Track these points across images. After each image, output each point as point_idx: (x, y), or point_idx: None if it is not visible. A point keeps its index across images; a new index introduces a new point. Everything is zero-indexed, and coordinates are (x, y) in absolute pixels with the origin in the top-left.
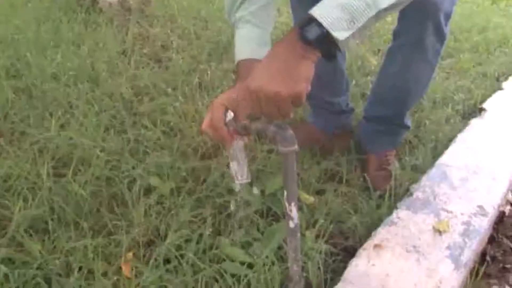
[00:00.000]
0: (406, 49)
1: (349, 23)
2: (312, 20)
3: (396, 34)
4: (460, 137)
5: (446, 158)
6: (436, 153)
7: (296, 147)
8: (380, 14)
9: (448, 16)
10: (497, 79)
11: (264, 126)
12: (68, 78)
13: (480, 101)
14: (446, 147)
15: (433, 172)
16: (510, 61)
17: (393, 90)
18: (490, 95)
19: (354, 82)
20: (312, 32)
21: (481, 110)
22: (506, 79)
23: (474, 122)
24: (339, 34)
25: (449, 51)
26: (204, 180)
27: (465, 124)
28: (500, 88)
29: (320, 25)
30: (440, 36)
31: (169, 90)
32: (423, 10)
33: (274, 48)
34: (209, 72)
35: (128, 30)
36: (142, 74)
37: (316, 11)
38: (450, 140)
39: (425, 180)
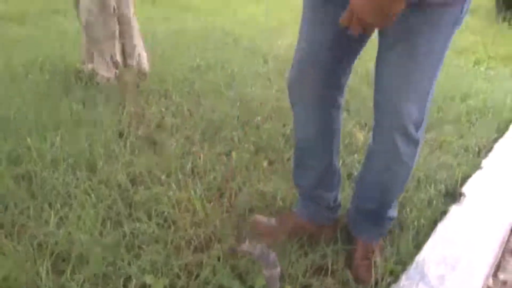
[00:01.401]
0: (381, 154)
1: None
2: None
3: (373, 137)
4: (439, 227)
5: (425, 252)
6: (418, 242)
7: (278, 269)
8: None
9: (419, 125)
10: (478, 154)
11: (251, 250)
12: (67, 165)
13: (461, 180)
14: (427, 234)
15: (412, 270)
16: (490, 133)
17: (375, 188)
18: (470, 175)
19: (341, 161)
20: None
21: (461, 195)
22: (486, 154)
23: (453, 209)
24: None
25: (432, 122)
26: (197, 276)
27: (445, 209)
28: (479, 167)
29: None
30: (413, 142)
31: (163, 177)
32: (393, 122)
33: None
34: (201, 155)
35: (124, 107)
36: (137, 160)
37: None
38: (431, 224)
39: (404, 280)
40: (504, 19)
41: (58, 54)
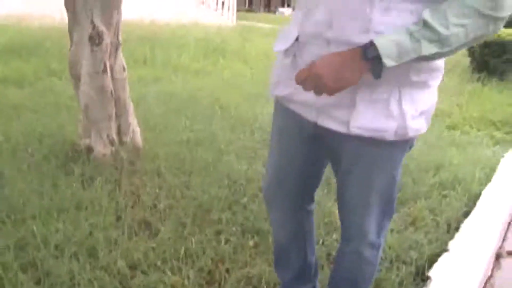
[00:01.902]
0: (347, 256)
1: (396, 57)
2: (373, 45)
3: (341, 239)
4: None
5: None
6: None
7: None
8: (421, 59)
9: (380, 232)
10: (448, 231)
11: None
12: (70, 251)
13: (430, 261)
14: None
15: None
16: (460, 207)
17: (345, 284)
18: (439, 255)
19: (321, 241)
20: (371, 53)
21: (428, 278)
22: (455, 231)
23: None
24: (388, 62)
25: (406, 197)
26: None
27: None
28: (446, 250)
29: (377, 50)
30: (376, 247)
31: (159, 263)
32: (356, 236)
33: (343, 52)
34: (193, 239)
35: (120, 186)
36: (134, 247)
37: (378, 40)
38: None
39: None
40: (478, 79)
41: (55, 124)
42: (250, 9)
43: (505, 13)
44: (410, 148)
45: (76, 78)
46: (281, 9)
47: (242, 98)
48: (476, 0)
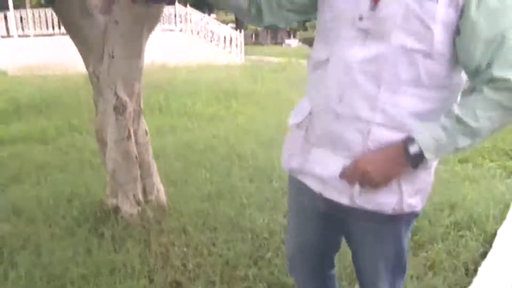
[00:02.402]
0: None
1: (435, 151)
2: (414, 141)
3: None
4: None
5: None
6: None
7: None
8: (458, 151)
9: None
10: (466, 274)
11: None
12: None
13: None
14: None
15: None
16: (476, 248)
17: None
18: None
19: None
20: (413, 150)
21: None
22: (473, 274)
23: None
24: (429, 156)
25: (424, 239)
26: None
27: None
28: None
29: (418, 146)
30: None
31: None
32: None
33: (386, 149)
34: None
35: (150, 247)
36: None
37: (419, 136)
38: None
39: None
40: None
41: (82, 183)
42: (257, 42)
43: None
44: (416, 216)
45: (102, 143)
46: (287, 41)
47: (257, 144)
48: (498, 95)
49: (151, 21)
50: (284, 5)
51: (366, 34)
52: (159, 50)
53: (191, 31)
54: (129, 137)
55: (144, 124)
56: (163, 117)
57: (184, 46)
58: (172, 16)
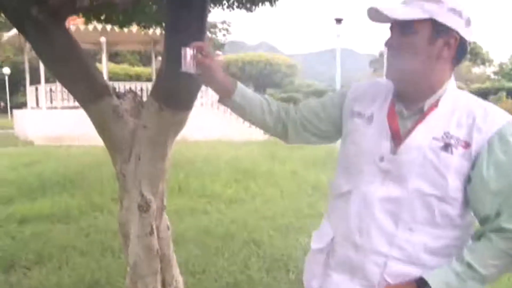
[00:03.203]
0: None
1: None
2: (427, 283)
3: None
4: None
5: None
6: None
7: None
8: None
9: None
10: None
11: None
12: None
13: None
14: None
15: None
16: None
17: None
18: None
19: None
20: None
21: None
22: None
23: None
24: None
25: None
26: None
27: None
28: None
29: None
30: None
31: None
32: None
33: (400, 285)
34: None
35: None
36: None
37: (430, 279)
38: None
39: None
40: None
41: (102, 270)
42: None
43: None
44: None
45: (125, 237)
46: None
47: (275, 230)
48: (506, 244)
49: (177, 126)
50: (309, 130)
51: (386, 174)
52: None
53: (211, 104)
54: (151, 232)
55: (166, 220)
56: (182, 198)
57: (205, 120)
58: None
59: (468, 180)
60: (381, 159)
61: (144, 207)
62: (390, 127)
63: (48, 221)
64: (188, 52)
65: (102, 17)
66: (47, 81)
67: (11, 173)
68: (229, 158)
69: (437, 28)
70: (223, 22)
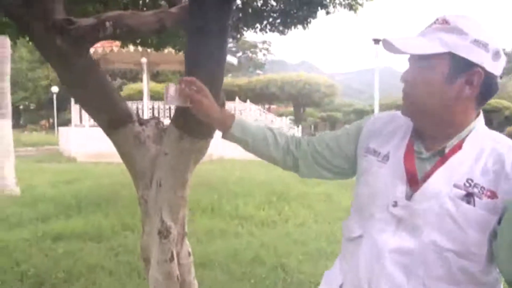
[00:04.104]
0: None
1: None
2: None
3: None
4: None
5: None
6: None
7: None
8: None
9: None
10: None
11: None
12: None
13: None
14: None
15: None
16: None
17: None
18: None
19: None
20: None
21: None
22: None
23: None
24: None
25: None
26: None
27: None
28: None
29: None
30: None
31: None
32: None
33: None
34: None
35: None
36: None
37: None
38: None
39: None
40: None
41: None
42: (315, 134)
43: None
44: None
45: (146, 261)
46: None
47: (305, 255)
48: None
49: (198, 154)
50: (321, 163)
51: (399, 221)
52: (219, 144)
53: None
54: (171, 259)
55: (187, 246)
56: (214, 219)
57: None
58: (232, 111)
59: (493, 235)
60: (395, 204)
61: (164, 233)
62: (406, 169)
63: (81, 240)
64: (172, 87)
65: (138, 41)
66: None
67: (51, 190)
68: (262, 179)
69: (457, 64)
70: (264, 42)
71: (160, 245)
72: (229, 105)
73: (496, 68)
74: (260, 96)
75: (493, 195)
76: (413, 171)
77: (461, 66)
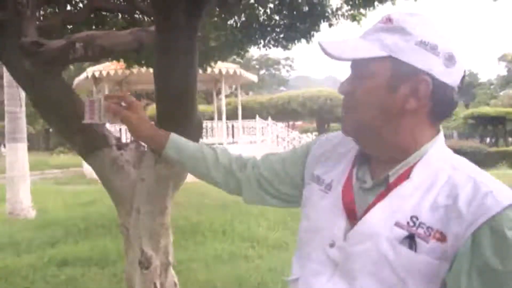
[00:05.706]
0: None
1: None
2: None
3: None
4: None
5: None
6: None
7: None
8: None
9: None
10: None
11: None
12: None
13: None
14: None
15: None
16: None
17: None
18: None
19: None
20: None
21: None
22: None
23: None
24: None
25: None
26: None
27: None
28: None
29: None
30: None
31: None
32: None
33: None
34: None
35: None
36: None
37: None
38: None
39: None
40: None
41: None
42: None
43: None
44: None
45: None
46: None
47: None
48: None
49: (177, 180)
50: (266, 189)
51: (335, 266)
52: None
53: (271, 141)
54: None
55: (172, 277)
56: (225, 242)
57: (255, 153)
58: (253, 129)
59: (443, 284)
60: (332, 244)
61: (144, 264)
62: (343, 202)
63: (85, 265)
64: (94, 103)
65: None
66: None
67: (64, 213)
68: None
69: (398, 70)
70: (287, 58)
71: (141, 276)
72: (248, 123)
73: (449, 76)
74: (282, 112)
75: (442, 238)
76: (350, 204)
77: (403, 72)
